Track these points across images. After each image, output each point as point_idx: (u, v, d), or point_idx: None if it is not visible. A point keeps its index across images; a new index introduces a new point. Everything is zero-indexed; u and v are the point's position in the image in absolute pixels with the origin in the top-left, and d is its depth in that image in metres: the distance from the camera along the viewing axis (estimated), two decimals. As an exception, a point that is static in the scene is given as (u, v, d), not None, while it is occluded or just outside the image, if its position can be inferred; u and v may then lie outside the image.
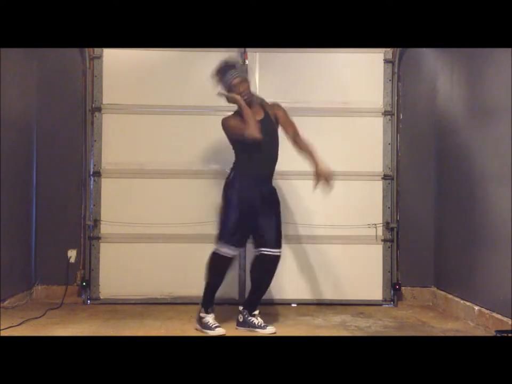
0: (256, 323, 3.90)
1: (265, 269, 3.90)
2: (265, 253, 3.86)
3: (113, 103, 4.94)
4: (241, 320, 3.97)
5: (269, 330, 3.86)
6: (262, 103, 3.92)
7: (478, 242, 4.19)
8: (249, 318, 3.93)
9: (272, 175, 3.96)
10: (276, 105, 3.97)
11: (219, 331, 3.80)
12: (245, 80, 3.84)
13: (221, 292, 4.85)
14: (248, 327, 3.91)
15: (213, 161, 4.93)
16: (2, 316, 4.06)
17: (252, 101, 3.83)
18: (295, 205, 4.94)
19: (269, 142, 3.83)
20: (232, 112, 3.94)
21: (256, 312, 3.97)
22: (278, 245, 3.89)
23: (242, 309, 3.99)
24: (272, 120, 3.89)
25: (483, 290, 4.10)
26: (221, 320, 4.04)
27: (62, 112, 4.95)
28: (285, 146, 3.99)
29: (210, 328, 3.83)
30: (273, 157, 3.91)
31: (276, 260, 3.89)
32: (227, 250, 3.79)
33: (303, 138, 3.90)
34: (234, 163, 3.96)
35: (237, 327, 3.98)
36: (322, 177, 3.76)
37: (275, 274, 3.96)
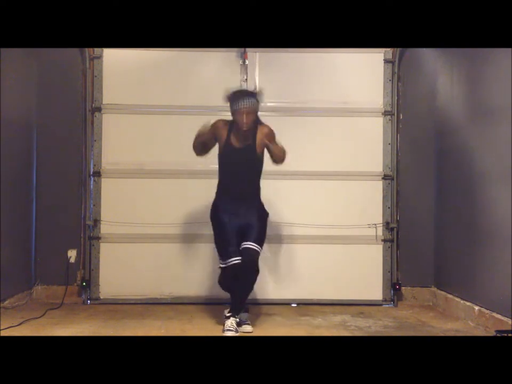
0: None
1: (243, 261, 3.84)
2: (244, 246, 3.85)
3: (113, 103, 4.94)
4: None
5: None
6: (255, 129, 3.90)
7: (477, 242, 4.19)
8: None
9: (252, 196, 3.97)
10: (269, 132, 3.93)
11: (227, 334, 3.76)
12: (253, 112, 3.83)
13: (220, 292, 4.86)
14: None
15: (213, 161, 4.92)
16: (2, 316, 4.06)
17: (248, 130, 3.85)
18: (295, 205, 4.94)
19: (246, 169, 3.93)
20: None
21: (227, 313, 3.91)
22: (256, 241, 3.86)
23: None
24: (257, 148, 3.90)
25: (483, 290, 4.10)
26: (220, 320, 4.04)
27: (62, 112, 4.95)
28: (286, 147, 4.00)
29: (223, 329, 3.80)
30: (249, 182, 3.96)
31: (253, 252, 3.83)
32: (230, 261, 3.85)
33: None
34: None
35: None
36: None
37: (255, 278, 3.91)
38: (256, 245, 3.86)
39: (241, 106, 3.78)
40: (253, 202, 3.97)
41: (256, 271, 3.89)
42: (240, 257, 3.83)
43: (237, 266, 3.82)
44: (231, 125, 3.92)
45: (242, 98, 3.80)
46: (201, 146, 4.02)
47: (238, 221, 3.89)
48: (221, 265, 3.94)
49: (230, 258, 3.85)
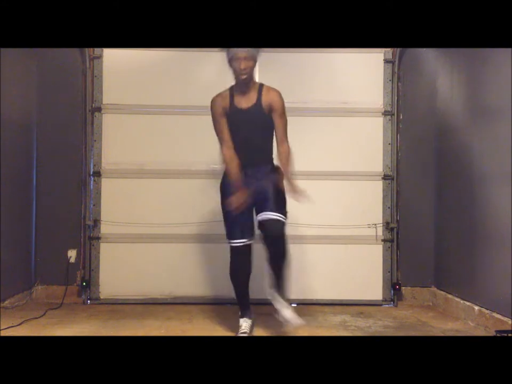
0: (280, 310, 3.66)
1: (266, 237, 3.58)
2: (263, 217, 3.57)
3: (113, 103, 4.94)
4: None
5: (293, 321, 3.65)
6: (260, 88, 3.71)
7: (478, 242, 4.19)
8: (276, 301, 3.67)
9: (263, 162, 3.71)
10: (275, 97, 3.70)
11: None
12: (250, 59, 3.58)
13: (220, 292, 4.88)
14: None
15: (213, 161, 4.93)
16: (2, 316, 4.06)
17: (249, 83, 3.67)
18: (294, 205, 4.93)
19: (254, 132, 3.67)
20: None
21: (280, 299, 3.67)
22: (276, 209, 3.56)
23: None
24: (264, 109, 3.66)
25: (483, 290, 4.10)
26: (220, 320, 4.05)
27: (62, 112, 4.95)
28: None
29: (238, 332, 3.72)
30: (259, 147, 3.69)
31: (275, 223, 3.54)
32: (237, 242, 3.67)
33: (285, 147, 3.66)
34: None
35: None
36: (293, 194, 3.57)
37: (285, 250, 3.59)
38: (276, 214, 3.55)
39: (238, 51, 3.54)
40: (265, 168, 3.69)
41: (283, 242, 3.57)
42: (246, 239, 3.67)
43: (240, 250, 3.68)
44: (231, 89, 3.74)
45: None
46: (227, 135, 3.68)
47: (251, 192, 3.59)
48: (228, 243, 3.71)
49: (233, 239, 3.68)
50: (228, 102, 3.71)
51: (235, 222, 3.67)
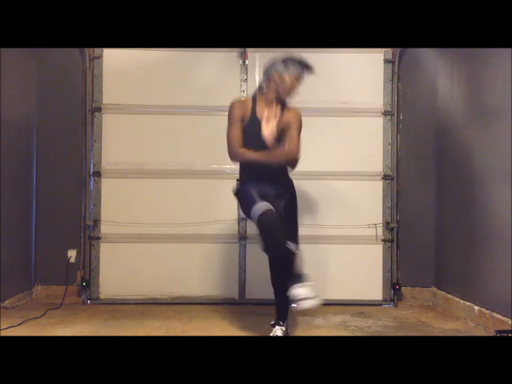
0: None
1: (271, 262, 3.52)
2: None
3: (113, 103, 4.94)
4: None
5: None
6: (282, 105, 3.68)
7: (478, 242, 4.19)
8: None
9: (281, 177, 3.67)
10: (295, 115, 3.68)
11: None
12: (298, 81, 3.63)
13: (220, 292, 4.88)
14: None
15: (213, 161, 4.94)
16: (2, 316, 4.06)
17: (282, 101, 3.65)
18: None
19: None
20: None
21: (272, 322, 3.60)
22: (293, 240, 3.54)
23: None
24: (283, 125, 3.62)
25: (483, 290, 4.10)
26: (220, 320, 4.04)
27: (62, 112, 4.95)
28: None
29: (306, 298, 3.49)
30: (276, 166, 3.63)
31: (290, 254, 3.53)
32: (265, 206, 3.42)
33: (291, 147, 3.60)
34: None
35: None
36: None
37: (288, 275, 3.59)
38: (293, 245, 3.52)
39: (297, 71, 3.58)
40: (282, 183, 3.65)
41: (290, 269, 3.57)
42: (268, 203, 3.44)
43: (271, 212, 3.40)
44: (253, 98, 3.70)
45: (297, 64, 3.59)
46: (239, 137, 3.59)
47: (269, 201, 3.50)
48: (255, 220, 3.44)
49: (260, 205, 3.41)
50: (248, 110, 3.65)
51: (257, 200, 3.47)
